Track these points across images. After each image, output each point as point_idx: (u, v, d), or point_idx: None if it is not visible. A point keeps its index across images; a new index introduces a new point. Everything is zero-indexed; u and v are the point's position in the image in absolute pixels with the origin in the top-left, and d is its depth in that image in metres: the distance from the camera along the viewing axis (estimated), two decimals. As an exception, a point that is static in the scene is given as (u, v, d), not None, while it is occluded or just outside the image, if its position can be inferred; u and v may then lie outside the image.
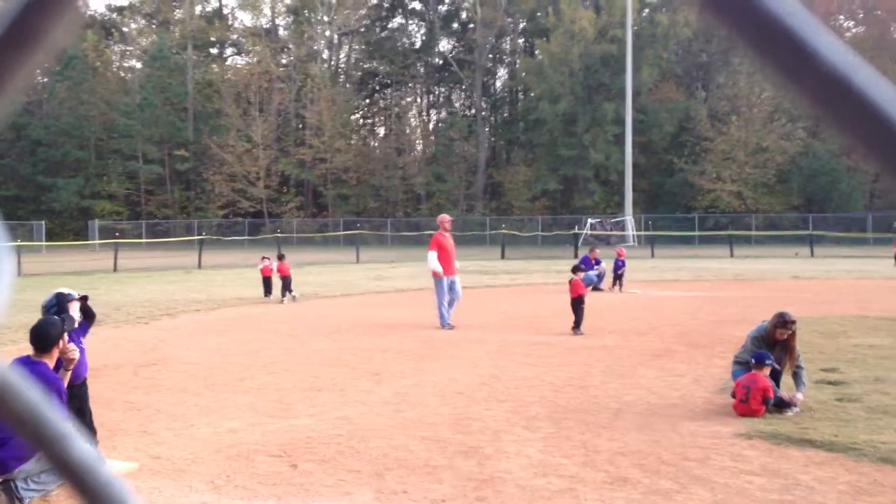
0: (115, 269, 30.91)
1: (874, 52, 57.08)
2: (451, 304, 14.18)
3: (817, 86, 0.31)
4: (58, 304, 6.21)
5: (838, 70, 0.31)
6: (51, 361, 5.58)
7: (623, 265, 22.00)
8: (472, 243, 60.13)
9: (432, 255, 14.22)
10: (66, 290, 6.36)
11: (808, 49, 0.31)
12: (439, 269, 14.08)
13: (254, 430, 7.08)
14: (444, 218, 14.88)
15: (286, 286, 19.39)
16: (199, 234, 44.50)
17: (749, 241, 50.64)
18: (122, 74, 77.87)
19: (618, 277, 21.82)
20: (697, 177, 63.87)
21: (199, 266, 33.53)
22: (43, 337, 5.57)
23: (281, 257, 20.01)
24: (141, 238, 56.18)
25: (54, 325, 5.73)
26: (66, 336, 5.73)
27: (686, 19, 65.41)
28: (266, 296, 19.75)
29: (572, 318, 13.41)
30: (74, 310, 6.26)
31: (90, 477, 0.38)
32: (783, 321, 7.82)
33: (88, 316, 6.40)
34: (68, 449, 0.38)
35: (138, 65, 78.03)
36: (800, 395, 7.58)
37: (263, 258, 20.50)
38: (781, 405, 7.42)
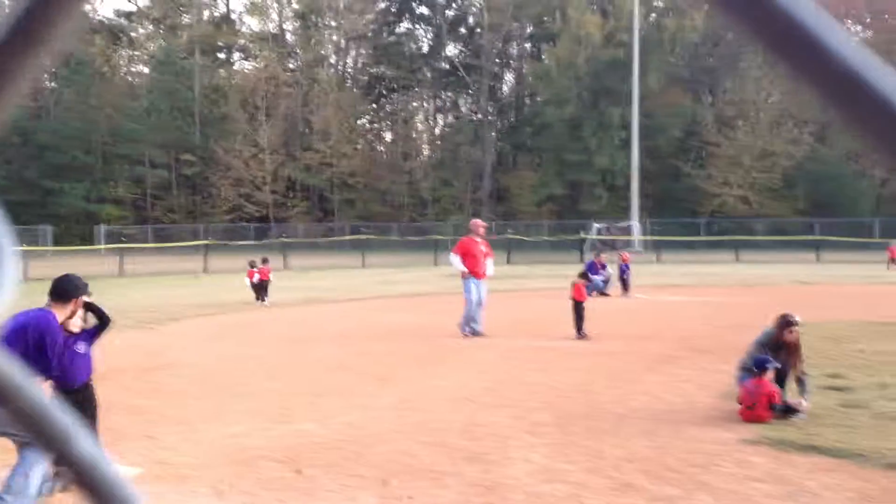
0: (120, 274, 30.97)
1: (884, 58, 56.75)
2: (477, 309, 13.79)
3: (830, 82, 0.31)
4: None
5: (850, 67, 0.31)
6: (61, 315, 5.51)
7: (628, 269, 21.99)
8: (478, 248, 59.86)
9: (454, 259, 14.08)
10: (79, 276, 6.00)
11: (820, 45, 0.31)
12: (462, 267, 13.84)
13: (258, 435, 7.08)
14: (477, 223, 14.55)
15: (264, 289, 19.91)
16: (206, 239, 44.53)
17: (755, 245, 50.50)
18: (130, 79, 78.01)
19: (623, 282, 21.82)
20: (704, 181, 63.70)
21: (206, 271, 33.57)
22: (62, 288, 5.54)
23: (264, 261, 20.42)
24: (147, 243, 56.25)
25: (77, 280, 5.70)
26: (81, 300, 5.67)
27: (693, 24, 65.31)
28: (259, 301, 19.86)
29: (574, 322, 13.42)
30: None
31: (95, 475, 0.38)
32: (787, 321, 7.82)
33: (103, 320, 6.00)
34: (73, 447, 0.38)
35: (146, 70, 78.18)
36: (805, 402, 7.55)
37: (251, 262, 20.70)
38: (788, 411, 7.39)
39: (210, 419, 7.72)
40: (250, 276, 20.44)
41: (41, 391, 0.39)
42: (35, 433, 0.38)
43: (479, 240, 14.17)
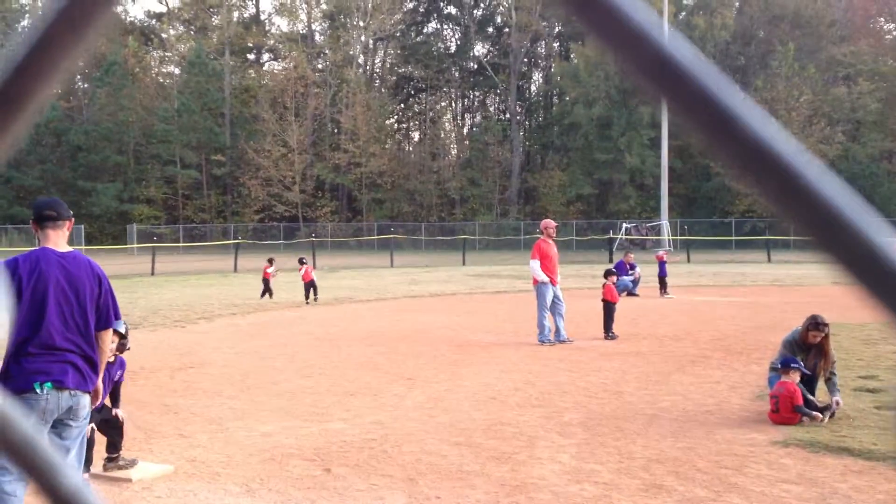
0: (152, 273, 31.29)
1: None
2: (560, 316, 12.99)
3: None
4: None
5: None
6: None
7: (664, 267, 21.75)
8: (505, 248, 59.98)
9: (535, 265, 12.97)
10: None
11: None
12: (544, 277, 12.87)
13: (288, 434, 7.13)
14: (549, 223, 13.58)
15: (313, 288, 20.19)
16: (236, 238, 44.87)
17: (787, 245, 50.01)
18: (161, 80, 78.75)
19: (662, 281, 21.55)
20: (734, 181, 63.09)
21: (236, 270, 33.81)
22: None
23: (301, 261, 20.82)
24: (178, 242, 56.80)
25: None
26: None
27: (723, 22, 64.88)
28: (265, 297, 20.36)
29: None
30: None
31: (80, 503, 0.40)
32: (815, 323, 7.75)
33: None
34: (59, 479, 0.39)
35: (176, 70, 78.94)
36: (838, 398, 7.49)
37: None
38: (812, 409, 7.31)
39: (241, 418, 7.79)
40: (266, 274, 20.82)
41: (32, 427, 0.40)
42: (24, 465, 0.39)
43: (550, 242, 13.29)
